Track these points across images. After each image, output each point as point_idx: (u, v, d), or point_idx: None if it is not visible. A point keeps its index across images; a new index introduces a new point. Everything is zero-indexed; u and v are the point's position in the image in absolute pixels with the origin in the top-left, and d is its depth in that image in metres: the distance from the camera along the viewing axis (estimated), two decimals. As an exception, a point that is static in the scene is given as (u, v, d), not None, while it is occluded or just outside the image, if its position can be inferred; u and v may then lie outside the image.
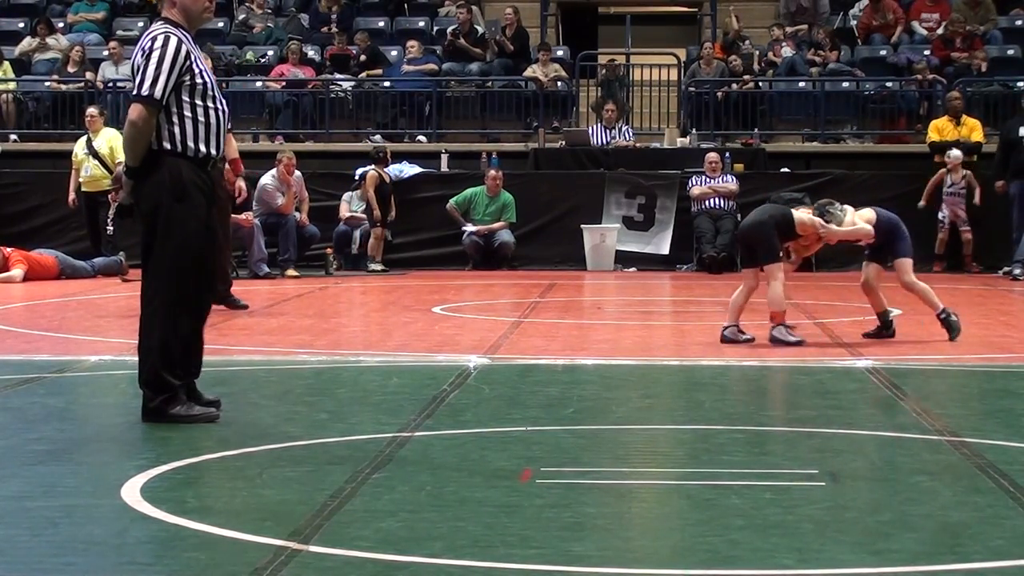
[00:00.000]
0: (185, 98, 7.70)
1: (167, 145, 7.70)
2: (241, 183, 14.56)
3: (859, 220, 11.62)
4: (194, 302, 7.84)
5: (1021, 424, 8.11)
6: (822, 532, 5.51)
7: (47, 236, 19.91)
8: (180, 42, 7.70)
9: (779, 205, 11.61)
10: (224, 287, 13.17)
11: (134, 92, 7.77)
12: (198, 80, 7.73)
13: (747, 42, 23.49)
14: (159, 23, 7.90)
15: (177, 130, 7.70)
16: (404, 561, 5.04)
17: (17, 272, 17.76)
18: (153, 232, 7.77)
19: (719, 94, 22.43)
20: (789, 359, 10.69)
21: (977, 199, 19.43)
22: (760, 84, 22.79)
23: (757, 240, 11.40)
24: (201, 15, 8.01)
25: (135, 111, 7.72)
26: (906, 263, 11.73)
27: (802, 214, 11.46)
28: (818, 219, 11.44)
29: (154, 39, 7.73)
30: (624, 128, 21.89)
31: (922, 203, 19.43)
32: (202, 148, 7.74)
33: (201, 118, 7.73)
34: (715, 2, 25.37)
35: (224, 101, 7.95)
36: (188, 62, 7.70)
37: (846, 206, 11.74)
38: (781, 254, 11.52)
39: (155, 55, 7.67)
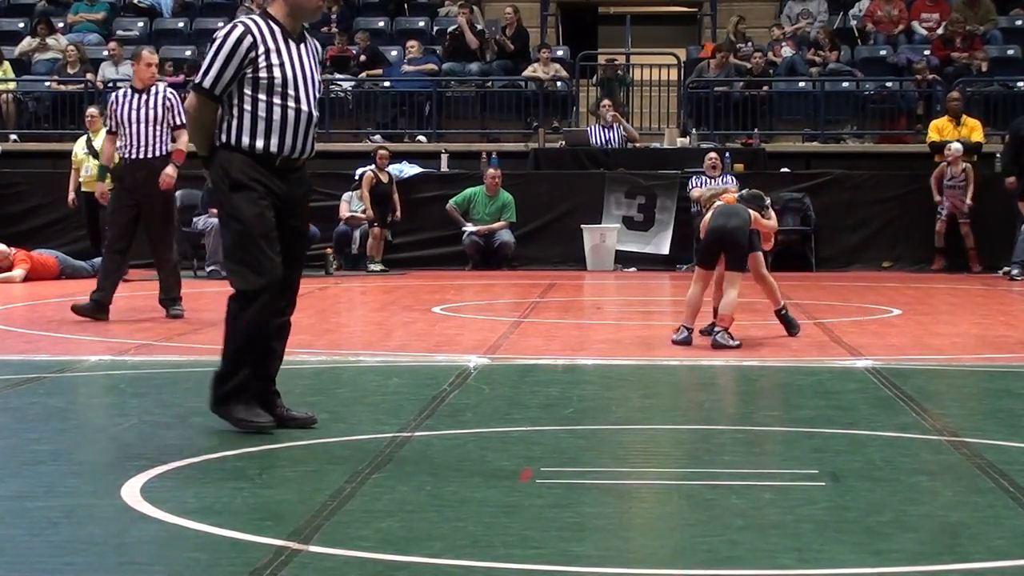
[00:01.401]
0: (247, 91, 7.50)
1: (223, 137, 7.55)
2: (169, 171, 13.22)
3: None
4: (262, 292, 7.47)
5: (1021, 424, 8.10)
6: (822, 532, 5.51)
7: (47, 236, 19.92)
8: (245, 33, 7.49)
9: (743, 206, 11.61)
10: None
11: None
12: (262, 74, 7.47)
13: (748, 43, 23.48)
14: (249, 15, 7.81)
15: (235, 123, 7.52)
16: (404, 561, 5.03)
17: (18, 272, 17.77)
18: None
19: (718, 92, 22.41)
20: (789, 359, 10.69)
21: (969, 197, 19.46)
22: (761, 84, 22.77)
23: (738, 245, 11.39)
24: (315, 12, 7.85)
25: (189, 99, 7.76)
26: (759, 257, 11.84)
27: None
28: (756, 212, 11.66)
29: (223, 30, 7.64)
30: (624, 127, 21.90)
31: (937, 198, 19.56)
32: (258, 143, 7.48)
33: (262, 113, 7.49)
34: (715, 2, 25.38)
35: (311, 101, 7.61)
36: (252, 54, 7.46)
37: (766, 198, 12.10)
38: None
39: (215, 45, 7.55)
